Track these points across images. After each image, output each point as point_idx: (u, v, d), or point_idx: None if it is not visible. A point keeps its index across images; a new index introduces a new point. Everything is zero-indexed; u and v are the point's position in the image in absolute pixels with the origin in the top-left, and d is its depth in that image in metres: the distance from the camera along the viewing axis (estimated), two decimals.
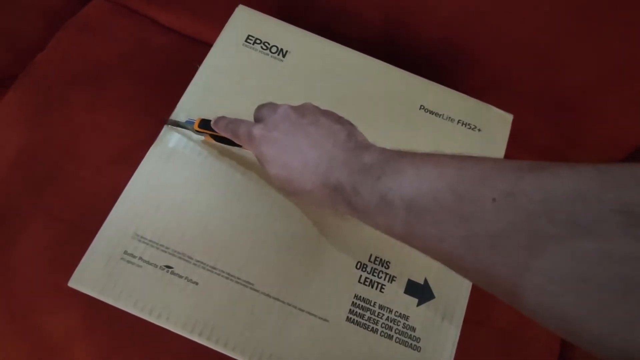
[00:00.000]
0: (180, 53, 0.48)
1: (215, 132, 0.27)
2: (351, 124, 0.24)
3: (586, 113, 0.40)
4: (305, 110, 0.23)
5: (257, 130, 0.23)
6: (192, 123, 0.28)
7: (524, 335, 0.40)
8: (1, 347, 0.34)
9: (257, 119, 0.25)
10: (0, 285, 0.35)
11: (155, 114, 0.36)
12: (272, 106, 0.25)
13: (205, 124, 0.27)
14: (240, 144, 0.26)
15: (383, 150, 0.21)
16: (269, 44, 0.32)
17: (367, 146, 0.22)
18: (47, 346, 0.33)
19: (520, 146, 0.46)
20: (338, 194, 0.21)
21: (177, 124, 0.29)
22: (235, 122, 0.26)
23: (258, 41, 0.32)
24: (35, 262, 0.36)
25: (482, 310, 0.41)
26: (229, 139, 0.26)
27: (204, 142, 0.29)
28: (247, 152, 0.29)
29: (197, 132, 0.28)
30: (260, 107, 0.26)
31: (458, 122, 0.32)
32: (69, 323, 0.34)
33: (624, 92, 0.37)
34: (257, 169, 0.29)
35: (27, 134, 0.41)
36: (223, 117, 0.27)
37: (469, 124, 0.32)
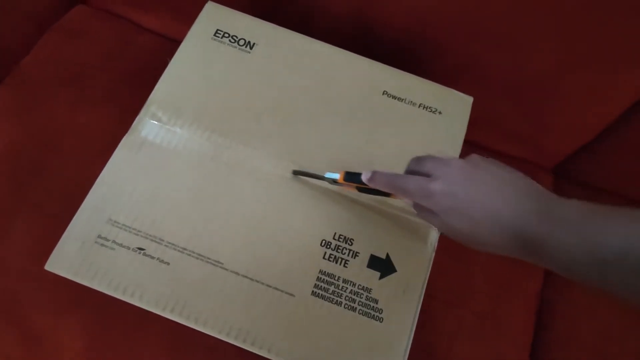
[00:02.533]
0: (160, 53, 0.49)
1: (365, 185, 0.26)
2: (519, 171, 0.23)
3: (551, 96, 0.41)
4: (475, 161, 0.24)
5: (437, 186, 0.23)
6: (333, 176, 0.27)
7: (499, 318, 0.41)
8: None
9: (424, 173, 0.24)
10: None
11: (136, 112, 0.37)
12: (438, 160, 0.24)
13: (352, 177, 0.26)
14: (408, 198, 0.25)
15: (582, 203, 0.21)
16: (236, 37, 0.34)
17: (556, 196, 0.22)
18: (34, 335, 0.35)
19: (485, 129, 0.47)
20: (529, 245, 0.21)
21: (305, 174, 0.29)
22: (400, 179, 0.25)
23: (226, 35, 0.34)
24: (22, 254, 0.38)
25: (457, 292, 0.42)
26: (376, 189, 0.25)
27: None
28: (218, 143, 0.30)
29: (334, 182, 0.27)
30: (421, 161, 0.25)
31: (420, 105, 0.33)
32: (56, 310, 0.36)
33: (587, 76, 0.39)
34: (227, 156, 0.30)
35: (12, 131, 0.43)
36: (379, 173, 0.25)
37: (430, 107, 0.33)
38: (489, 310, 0.41)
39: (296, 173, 0.30)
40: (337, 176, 0.27)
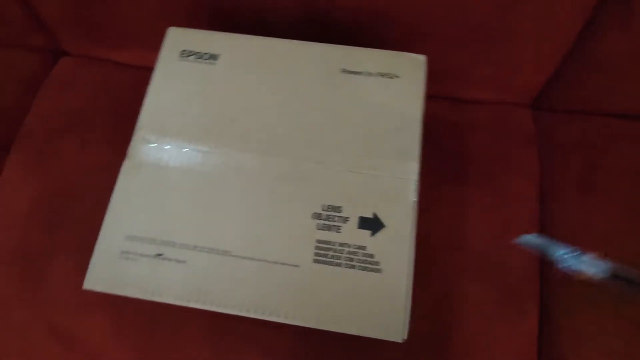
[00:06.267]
0: (143, 84, 0.53)
1: None
2: None
3: (503, 35, 0.43)
4: None
5: None
6: None
7: (501, 259, 0.43)
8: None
9: None
10: (40, 310, 0.42)
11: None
12: None
13: None
14: None
15: None
16: (200, 53, 0.37)
17: None
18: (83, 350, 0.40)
19: (455, 82, 0.49)
20: None
21: (625, 278, 0.29)
22: None
23: (191, 53, 0.37)
24: (65, 286, 0.42)
25: (458, 235, 0.44)
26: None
27: None
28: (208, 151, 0.34)
29: None
30: None
31: (377, 74, 0.36)
32: (101, 327, 0.40)
33: (530, 7, 0.40)
34: (214, 161, 0.34)
35: (34, 186, 0.48)
36: None
37: (386, 74, 0.36)
38: (492, 251, 0.43)
39: (616, 277, 0.29)
40: None
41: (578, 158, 0.47)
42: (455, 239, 0.44)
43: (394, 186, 0.32)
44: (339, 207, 0.32)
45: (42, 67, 0.55)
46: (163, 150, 0.34)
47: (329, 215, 0.32)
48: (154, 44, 0.43)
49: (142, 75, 0.59)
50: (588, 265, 0.31)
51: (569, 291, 0.41)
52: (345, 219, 0.32)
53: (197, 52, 0.37)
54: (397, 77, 0.36)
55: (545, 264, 0.43)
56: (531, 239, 0.36)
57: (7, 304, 0.43)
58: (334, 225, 0.31)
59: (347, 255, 0.31)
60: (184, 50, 0.37)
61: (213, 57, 0.37)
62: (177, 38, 0.38)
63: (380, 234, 0.31)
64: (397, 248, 0.31)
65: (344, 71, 0.36)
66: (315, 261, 0.31)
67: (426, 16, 0.41)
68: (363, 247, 0.31)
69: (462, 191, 0.46)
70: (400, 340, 0.29)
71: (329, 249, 0.31)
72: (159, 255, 0.31)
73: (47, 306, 0.43)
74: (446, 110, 0.50)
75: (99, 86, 0.54)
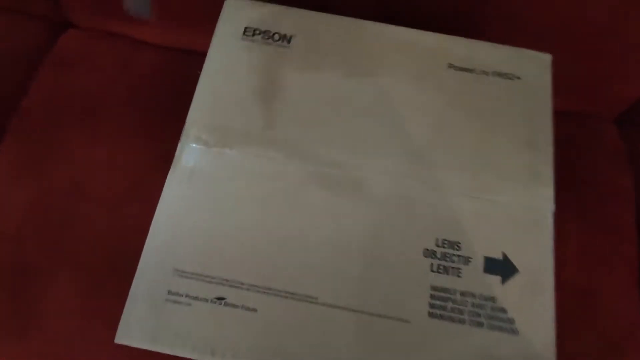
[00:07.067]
0: (171, 68, 0.45)
1: None
2: None
3: (610, 42, 0.36)
4: None
5: None
6: None
7: (600, 300, 0.37)
8: None
9: None
10: (35, 344, 0.33)
11: (157, 137, 0.33)
12: None
13: None
14: None
15: None
16: (270, 32, 0.29)
17: None
18: None
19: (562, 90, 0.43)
20: None
21: None
22: None
23: (257, 32, 0.29)
24: (67, 316, 0.33)
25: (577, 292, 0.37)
26: None
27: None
28: (277, 159, 0.26)
29: None
30: None
31: (493, 74, 0.29)
32: None
33: None
34: (291, 174, 0.26)
35: (31, 185, 0.38)
36: None
37: (505, 74, 0.29)
38: (589, 287, 0.37)
39: None
40: None
41: None
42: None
43: (526, 218, 0.25)
44: (458, 242, 0.25)
45: (43, 40, 0.45)
46: (222, 155, 0.26)
47: (446, 253, 0.24)
48: (194, 22, 0.35)
49: (170, 57, 0.49)
50: None
51: None
52: (466, 260, 0.24)
53: (266, 31, 0.29)
54: (519, 78, 0.29)
55: None
56: None
57: None
58: (453, 268, 0.24)
59: (472, 309, 0.23)
60: (248, 28, 0.29)
61: (285, 38, 0.29)
62: (238, 12, 0.29)
63: (513, 281, 0.24)
64: (536, 302, 0.24)
65: (452, 67, 0.29)
66: (431, 315, 0.23)
67: (541, 8, 0.34)
68: (492, 299, 0.24)
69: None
70: None
71: (447, 299, 0.24)
72: (220, 299, 0.23)
73: (40, 343, 0.33)
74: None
75: (112, 67, 0.45)
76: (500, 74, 0.29)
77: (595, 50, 0.39)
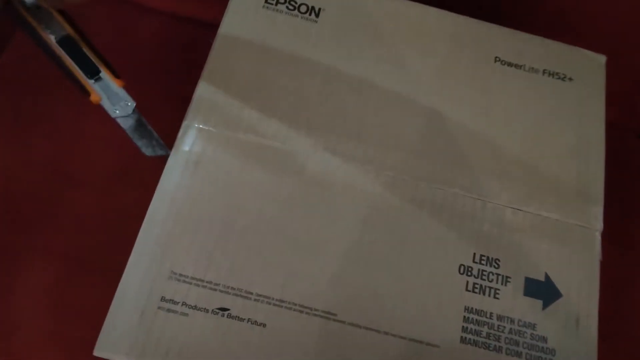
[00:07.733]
0: (175, 38, 0.40)
1: None
2: None
3: None
4: None
5: None
6: None
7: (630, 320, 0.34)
8: None
9: None
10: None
11: (156, 113, 0.29)
12: None
13: None
14: None
15: None
16: (295, 3, 0.25)
17: None
18: None
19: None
20: None
21: None
22: None
23: (281, 0, 0.25)
24: (37, 312, 0.30)
25: (610, 319, 0.34)
26: None
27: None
28: (299, 151, 0.22)
29: None
30: None
31: (544, 72, 0.26)
32: None
33: None
34: (313, 169, 0.22)
35: (4, 158, 0.34)
36: None
37: (557, 74, 0.26)
38: None
39: None
40: None
41: None
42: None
43: (573, 237, 0.23)
44: (497, 259, 0.22)
45: None
46: (235, 140, 0.22)
47: (482, 270, 0.22)
48: None
49: (176, 26, 0.44)
50: None
51: None
52: (505, 279, 0.21)
53: (291, 1, 0.25)
54: (571, 79, 0.26)
55: None
56: None
57: None
58: (490, 287, 0.21)
59: (510, 336, 0.21)
60: None
61: (313, 11, 0.25)
62: None
63: (556, 307, 0.21)
64: (580, 332, 0.21)
65: (499, 61, 0.26)
66: (464, 340, 0.20)
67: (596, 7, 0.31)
68: (532, 326, 0.21)
69: None
70: None
71: (482, 323, 0.21)
72: (224, 310, 0.20)
73: (7, 334, 0.29)
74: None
75: (110, 32, 0.40)
76: (551, 73, 0.26)
77: (634, 55, 0.36)
